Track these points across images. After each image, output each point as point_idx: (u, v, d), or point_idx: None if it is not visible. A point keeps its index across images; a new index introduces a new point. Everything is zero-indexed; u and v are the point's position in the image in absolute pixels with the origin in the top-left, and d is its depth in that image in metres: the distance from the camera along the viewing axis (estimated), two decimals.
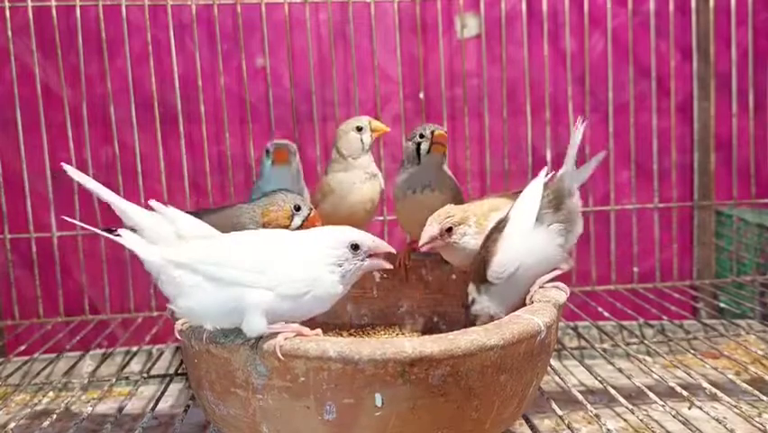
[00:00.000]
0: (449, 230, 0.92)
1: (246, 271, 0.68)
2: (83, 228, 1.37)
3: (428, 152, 1.04)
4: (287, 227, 0.92)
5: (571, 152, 0.87)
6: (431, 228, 0.92)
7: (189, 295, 0.69)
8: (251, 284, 0.68)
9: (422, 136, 1.05)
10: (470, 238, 0.93)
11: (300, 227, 0.93)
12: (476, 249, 0.92)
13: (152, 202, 0.81)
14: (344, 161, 1.13)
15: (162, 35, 1.42)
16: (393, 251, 0.74)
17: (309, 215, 0.94)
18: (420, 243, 0.93)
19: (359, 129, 1.12)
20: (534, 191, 0.88)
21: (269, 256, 0.70)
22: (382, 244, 0.73)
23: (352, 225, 1.09)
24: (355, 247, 0.71)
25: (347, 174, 1.12)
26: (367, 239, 0.72)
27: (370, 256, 0.72)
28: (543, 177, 0.90)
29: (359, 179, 1.12)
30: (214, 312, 0.69)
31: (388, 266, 0.75)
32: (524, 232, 0.85)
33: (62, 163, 0.79)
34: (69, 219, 0.84)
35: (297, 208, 0.94)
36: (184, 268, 0.69)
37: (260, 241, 0.74)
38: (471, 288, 0.89)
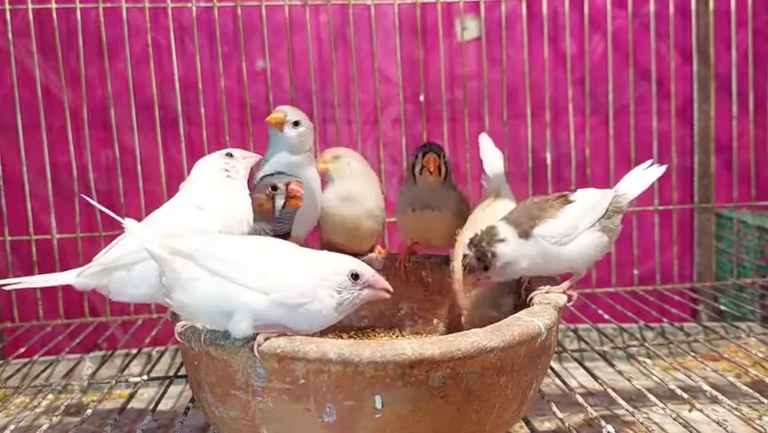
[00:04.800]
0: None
1: (246, 272, 0.68)
2: (82, 230, 1.39)
3: (420, 173, 1.03)
4: (271, 210, 0.92)
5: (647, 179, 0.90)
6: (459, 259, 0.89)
7: (185, 289, 0.69)
8: (248, 285, 0.68)
9: (416, 157, 1.04)
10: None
11: (285, 205, 0.92)
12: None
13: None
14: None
15: (162, 37, 1.42)
16: (390, 289, 0.73)
17: (287, 188, 0.92)
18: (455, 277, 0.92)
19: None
20: (606, 196, 0.89)
21: (271, 262, 0.71)
22: (381, 279, 0.73)
23: (343, 242, 1.12)
24: (355, 277, 0.71)
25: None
26: (367, 272, 0.72)
27: (367, 287, 0.72)
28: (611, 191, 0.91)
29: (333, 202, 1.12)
30: (207, 309, 0.69)
31: (386, 296, 0.74)
32: (586, 222, 0.86)
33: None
34: None
35: (274, 188, 0.92)
36: (185, 258, 0.69)
37: (265, 246, 0.74)
38: (503, 227, 0.86)
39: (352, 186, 1.13)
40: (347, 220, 1.11)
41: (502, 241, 0.85)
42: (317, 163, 1.11)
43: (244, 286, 0.68)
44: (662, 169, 0.92)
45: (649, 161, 0.93)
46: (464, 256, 0.87)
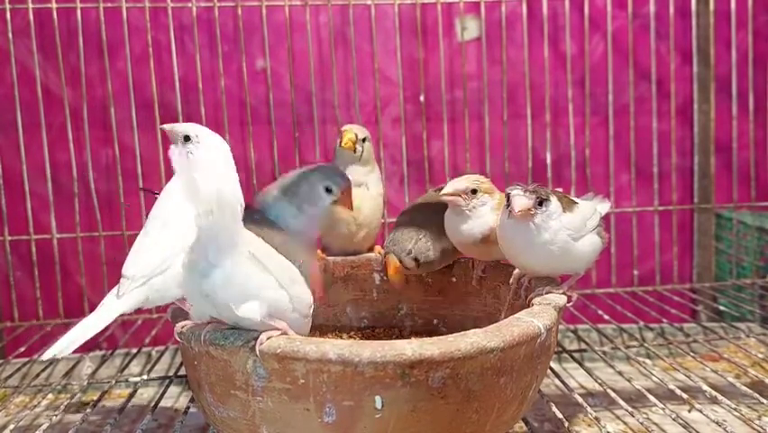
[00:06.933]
0: (474, 192, 0.92)
1: (282, 272, 0.71)
2: (82, 230, 1.39)
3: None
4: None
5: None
6: (459, 182, 0.92)
7: (228, 271, 0.67)
8: (283, 283, 0.70)
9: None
10: (488, 210, 0.93)
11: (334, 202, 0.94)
12: (486, 226, 0.92)
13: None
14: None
15: (163, 37, 1.42)
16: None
17: (341, 194, 0.94)
18: (444, 191, 0.93)
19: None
20: (605, 203, 0.94)
21: (296, 272, 0.75)
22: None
23: (344, 231, 1.12)
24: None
25: None
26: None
27: None
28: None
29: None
30: (239, 295, 0.68)
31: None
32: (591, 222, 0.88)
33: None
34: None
35: (328, 190, 0.94)
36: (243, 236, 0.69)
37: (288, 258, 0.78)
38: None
39: (366, 170, 1.14)
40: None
41: (554, 195, 0.85)
42: (340, 140, 1.10)
43: (279, 282, 0.70)
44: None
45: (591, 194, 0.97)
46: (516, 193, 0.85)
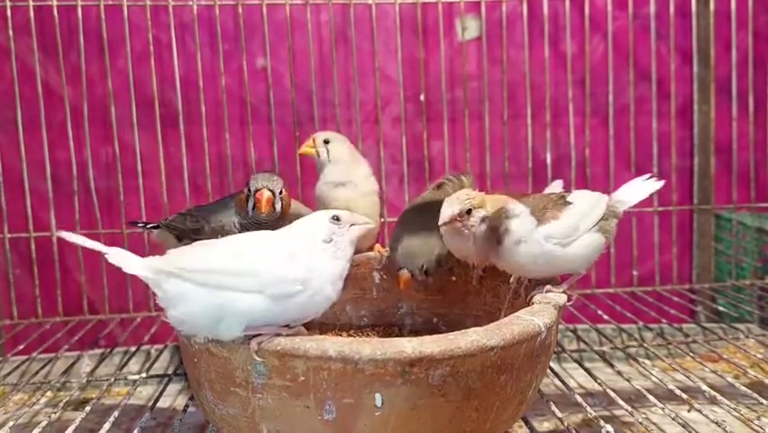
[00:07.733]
0: (468, 212, 0.87)
1: (236, 276, 0.68)
2: (82, 228, 1.39)
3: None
4: (245, 208, 0.96)
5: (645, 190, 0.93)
6: (451, 208, 0.88)
7: (178, 305, 0.69)
8: (243, 288, 0.68)
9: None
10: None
11: (254, 208, 0.96)
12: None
13: None
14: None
15: (163, 35, 1.42)
16: (369, 220, 0.77)
17: (255, 193, 0.95)
18: (440, 222, 0.89)
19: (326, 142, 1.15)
20: (602, 200, 0.90)
21: (258, 259, 0.70)
22: (358, 216, 0.76)
23: None
24: (336, 218, 0.74)
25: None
26: (344, 212, 0.75)
27: (351, 225, 0.75)
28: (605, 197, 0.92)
29: (327, 186, 1.13)
30: (205, 320, 0.68)
31: (370, 226, 0.78)
32: (585, 222, 0.86)
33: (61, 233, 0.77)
34: None
35: (249, 190, 0.96)
36: (173, 277, 0.69)
37: (247, 244, 0.74)
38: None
39: (346, 169, 1.13)
40: (341, 205, 1.11)
41: (517, 216, 0.84)
42: (304, 147, 1.14)
43: (237, 291, 0.68)
44: (661, 183, 0.94)
45: (649, 174, 0.95)
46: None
